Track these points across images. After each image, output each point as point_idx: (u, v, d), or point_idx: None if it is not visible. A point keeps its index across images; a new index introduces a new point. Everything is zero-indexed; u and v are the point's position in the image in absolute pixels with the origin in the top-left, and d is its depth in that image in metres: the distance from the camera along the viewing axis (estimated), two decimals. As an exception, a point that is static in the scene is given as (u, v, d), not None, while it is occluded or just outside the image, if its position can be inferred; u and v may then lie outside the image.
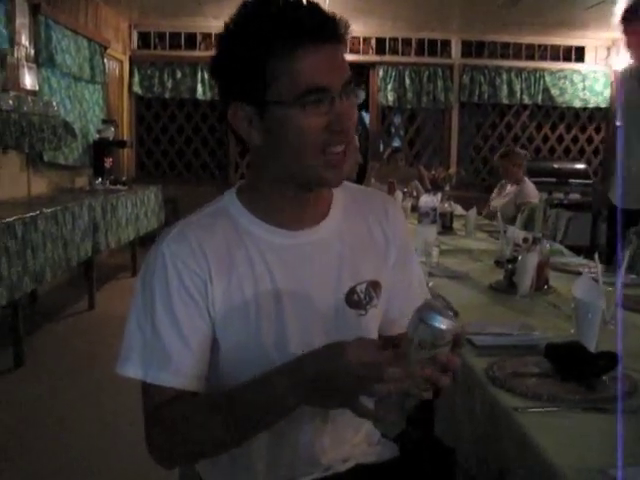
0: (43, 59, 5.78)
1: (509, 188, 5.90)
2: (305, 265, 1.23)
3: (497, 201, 5.91)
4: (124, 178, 7.33)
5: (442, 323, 0.97)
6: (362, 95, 1.21)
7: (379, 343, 1.04)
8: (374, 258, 1.32)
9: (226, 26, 1.16)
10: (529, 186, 5.80)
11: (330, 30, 1.13)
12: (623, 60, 8.34)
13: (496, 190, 6.15)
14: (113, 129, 7.11)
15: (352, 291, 1.25)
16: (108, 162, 6.82)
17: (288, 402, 1.06)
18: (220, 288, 1.18)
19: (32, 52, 5.63)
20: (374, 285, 1.28)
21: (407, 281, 1.34)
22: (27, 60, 5.53)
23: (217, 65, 1.18)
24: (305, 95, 1.10)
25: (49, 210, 4.49)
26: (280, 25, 1.10)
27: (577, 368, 1.50)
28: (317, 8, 1.13)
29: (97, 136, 6.95)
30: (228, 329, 1.19)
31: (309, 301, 1.23)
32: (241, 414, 1.09)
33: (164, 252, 1.17)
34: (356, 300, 1.26)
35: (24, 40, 5.48)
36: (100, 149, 6.82)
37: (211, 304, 1.18)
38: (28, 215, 4.14)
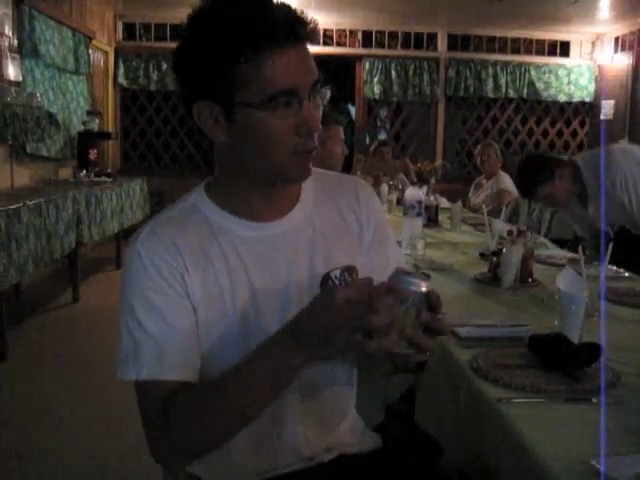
0: (27, 50, 5.73)
1: (485, 184, 5.94)
2: (278, 255, 1.24)
3: (475, 199, 5.94)
4: (109, 170, 7.29)
5: (414, 285, 1.02)
6: (328, 95, 1.21)
7: (369, 279, 1.05)
8: (348, 243, 1.32)
9: (192, 20, 1.14)
10: (504, 176, 5.87)
11: (299, 31, 1.11)
12: (607, 55, 8.41)
13: (472, 188, 6.18)
14: (98, 121, 7.07)
15: (327, 277, 1.25)
16: (93, 154, 6.78)
17: (295, 360, 1.07)
18: (197, 281, 1.18)
19: (15, 42, 5.58)
20: (349, 270, 1.28)
21: (384, 263, 1.32)
22: (10, 50, 5.48)
23: (181, 61, 1.17)
24: (274, 98, 1.10)
25: (32, 202, 4.46)
26: (249, 27, 1.08)
27: (560, 359, 1.51)
28: (286, 9, 1.12)
29: (82, 128, 6.91)
30: (205, 321, 1.19)
31: (284, 291, 1.23)
32: (249, 386, 1.10)
33: (139, 250, 1.18)
34: (331, 286, 1.26)
35: (7, 30, 5.43)
36: (85, 141, 6.79)
37: (191, 295, 1.18)
38: (11, 207, 4.11)
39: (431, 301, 1.04)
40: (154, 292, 1.16)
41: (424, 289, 1.03)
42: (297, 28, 1.11)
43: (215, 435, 1.15)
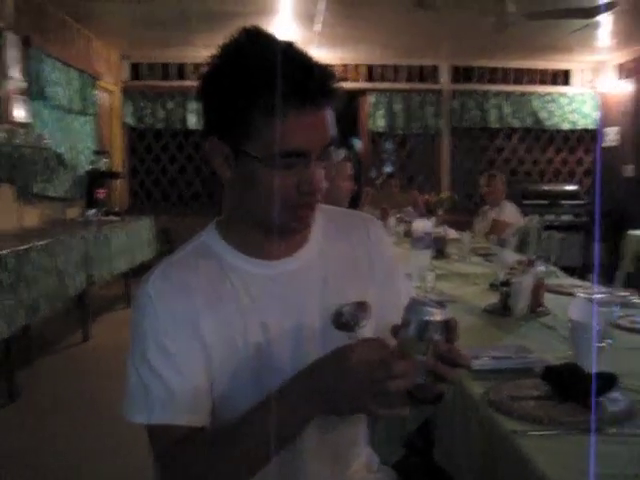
0: (34, 91, 5.80)
1: (490, 212, 5.95)
2: (289, 293, 1.23)
3: (480, 226, 5.95)
4: (117, 209, 7.32)
5: (430, 314, 1.02)
6: (341, 154, 1.22)
7: (383, 341, 1.05)
8: (359, 279, 1.31)
9: (222, 51, 1.13)
10: (508, 206, 5.87)
11: (320, 93, 1.10)
12: (609, 82, 8.46)
13: (479, 217, 6.19)
14: (105, 160, 7.12)
15: (339, 313, 1.25)
16: (101, 193, 6.81)
17: (302, 413, 1.07)
18: (209, 322, 1.18)
19: (24, 85, 5.65)
20: (361, 306, 1.27)
21: (395, 298, 1.32)
22: (19, 93, 5.55)
23: (202, 90, 1.16)
24: (281, 157, 1.09)
25: (41, 242, 4.47)
26: (270, 81, 1.05)
27: (575, 389, 1.49)
28: (313, 69, 1.10)
29: (89, 167, 6.96)
30: (218, 362, 1.18)
31: (297, 328, 1.22)
32: (257, 436, 1.08)
33: (150, 292, 1.17)
34: (344, 322, 1.25)
35: (16, 73, 5.50)
36: (92, 180, 6.82)
37: (203, 335, 1.17)
38: (20, 248, 4.12)
39: (449, 329, 1.04)
40: (165, 336, 1.15)
41: (440, 317, 1.02)
42: (320, 93, 1.10)
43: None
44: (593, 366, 1.62)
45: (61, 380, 4.56)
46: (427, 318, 1.02)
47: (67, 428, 3.68)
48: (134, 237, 6.67)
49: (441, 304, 1.06)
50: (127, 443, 3.06)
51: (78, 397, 4.18)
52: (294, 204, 1.14)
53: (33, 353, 5.04)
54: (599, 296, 2.06)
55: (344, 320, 1.26)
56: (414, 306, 1.04)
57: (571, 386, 1.51)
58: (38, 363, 4.91)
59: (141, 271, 6.14)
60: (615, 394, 1.49)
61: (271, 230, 1.21)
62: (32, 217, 5.93)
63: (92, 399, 4.07)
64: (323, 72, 1.11)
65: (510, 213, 5.80)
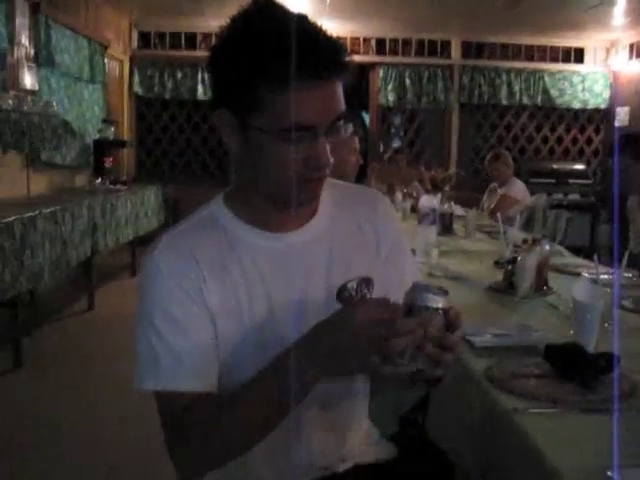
0: (43, 59, 5.79)
1: (499, 190, 5.90)
2: (295, 266, 1.24)
3: (488, 203, 5.92)
4: (124, 178, 7.33)
5: (433, 301, 1.02)
6: (350, 129, 1.20)
7: (387, 300, 1.05)
8: (365, 255, 1.31)
9: (232, 23, 1.12)
10: (517, 184, 5.82)
11: (330, 66, 1.08)
12: (622, 61, 8.37)
13: (487, 193, 6.15)
14: (113, 129, 7.11)
15: (343, 288, 1.25)
16: (108, 162, 6.81)
17: (310, 374, 1.07)
18: (215, 292, 1.18)
19: (32, 52, 5.63)
20: (366, 281, 1.28)
21: (400, 276, 1.32)
22: (27, 60, 5.53)
23: (212, 62, 1.15)
24: (288, 131, 1.08)
25: (48, 210, 4.49)
26: (282, 53, 1.04)
27: (576, 369, 1.50)
28: (326, 43, 1.09)
29: (97, 136, 6.95)
30: (223, 332, 1.19)
31: (302, 301, 1.23)
32: (265, 399, 1.09)
33: (157, 260, 1.18)
34: (347, 297, 1.26)
35: (24, 40, 5.48)
36: (100, 149, 6.82)
37: (209, 306, 1.18)
38: (27, 215, 4.14)
39: (449, 318, 1.03)
40: (172, 303, 1.16)
41: (442, 305, 1.02)
42: (330, 67, 1.08)
43: (231, 447, 1.15)
44: (594, 346, 1.63)
45: (66, 347, 4.60)
46: (427, 304, 1.01)
47: (72, 395, 3.72)
48: (141, 206, 6.68)
49: (444, 291, 1.05)
50: (132, 410, 3.09)
51: (82, 364, 4.21)
52: (302, 179, 1.14)
53: (38, 320, 5.07)
54: (604, 277, 2.05)
55: (347, 295, 1.26)
56: (416, 291, 1.03)
57: (572, 365, 1.51)
58: (43, 330, 4.95)
59: (147, 240, 6.14)
60: (615, 374, 1.50)
61: (279, 203, 1.21)
62: (40, 185, 5.94)
63: (96, 366, 4.11)
64: (334, 45, 1.10)
65: (518, 190, 5.76)
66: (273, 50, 1.05)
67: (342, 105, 1.13)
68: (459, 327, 1.05)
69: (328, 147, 1.13)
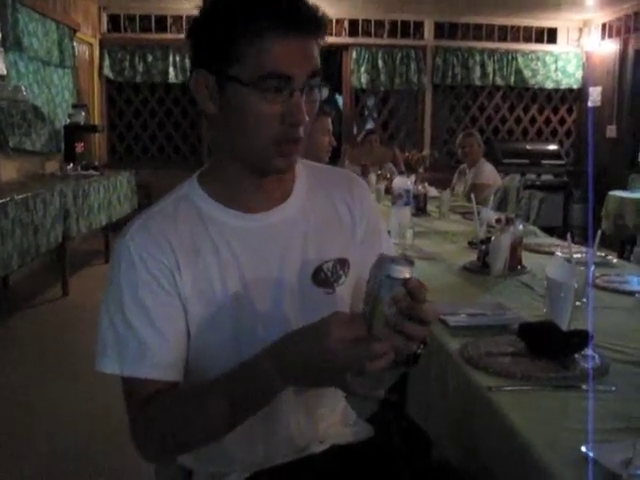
0: (10, 43, 5.67)
1: (468, 172, 5.90)
2: (270, 247, 1.23)
3: (458, 186, 5.93)
4: (96, 163, 7.24)
5: (397, 271, 0.99)
6: (326, 92, 1.20)
7: (360, 317, 1.02)
8: (341, 236, 1.31)
9: None
10: (485, 167, 5.82)
11: (307, 22, 1.11)
12: (594, 41, 8.42)
13: (456, 175, 6.15)
14: (84, 113, 7.01)
15: (319, 270, 1.25)
16: (79, 147, 6.73)
17: (275, 385, 1.06)
18: (188, 276, 1.17)
19: (-1, 36, 5.53)
20: (341, 263, 1.28)
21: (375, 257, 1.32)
22: (-6, 44, 5.43)
23: (191, 27, 1.17)
24: (266, 79, 1.09)
25: (19, 197, 4.42)
26: (258, 7, 1.08)
27: (550, 347, 1.51)
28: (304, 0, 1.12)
29: (67, 121, 6.86)
30: (196, 316, 1.18)
31: (276, 283, 1.22)
32: (228, 400, 1.08)
33: (129, 245, 1.17)
34: (323, 278, 1.25)
35: (-10, 23, 5.38)
36: (71, 134, 6.73)
37: (181, 291, 1.17)
38: (-2, 202, 4.08)
39: (411, 288, 1.00)
40: (143, 291, 1.15)
41: (402, 275, 1.00)
42: (304, 18, 1.10)
43: (191, 441, 1.16)
44: (567, 324, 1.64)
45: (40, 334, 4.56)
46: (388, 274, 1.00)
47: (45, 381, 3.69)
48: (113, 192, 6.61)
49: (410, 262, 1.04)
50: (107, 396, 3.07)
51: (56, 351, 4.18)
52: (278, 138, 1.14)
53: (12, 307, 5.03)
54: (577, 255, 2.07)
55: (323, 276, 1.26)
56: (380, 262, 1.02)
57: (546, 343, 1.52)
58: (17, 318, 4.90)
59: (120, 226, 6.07)
60: (589, 351, 1.51)
61: (255, 171, 1.20)
62: (10, 171, 5.86)
63: (70, 353, 4.08)
64: (311, 4, 1.13)
65: (488, 174, 5.76)
66: (254, 2, 1.09)
67: (318, 63, 1.14)
68: (422, 298, 1.01)
69: (304, 105, 1.13)
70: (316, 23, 1.13)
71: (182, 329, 1.18)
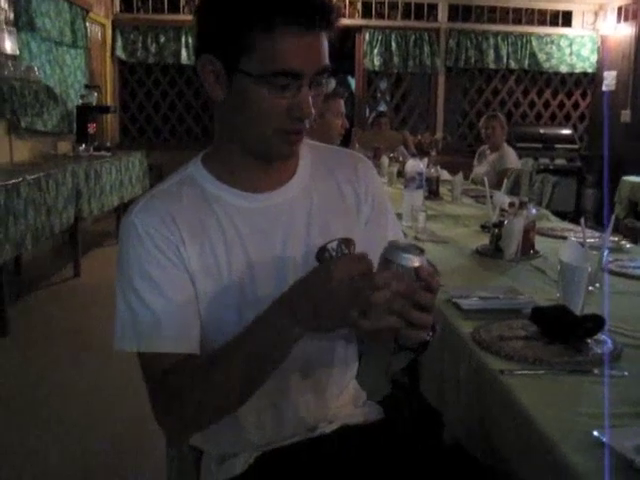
0: (23, 23, 5.66)
1: (489, 155, 5.86)
2: (274, 227, 1.24)
3: (479, 169, 5.88)
4: (108, 144, 7.25)
5: (407, 259, 1.00)
6: (332, 84, 1.21)
7: (364, 255, 1.04)
8: (345, 216, 1.31)
9: None
10: (509, 152, 5.77)
11: (319, 18, 1.10)
12: (610, 25, 8.33)
13: (477, 158, 6.11)
14: (96, 94, 7.01)
15: (323, 249, 1.25)
16: (91, 128, 6.73)
17: (290, 332, 1.06)
18: (193, 251, 1.18)
19: (11, 16, 5.51)
20: (346, 242, 1.28)
21: (382, 237, 1.30)
22: (6, 24, 5.41)
23: (201, 10, 1.17)
24: (275, 76, 1.10)
25: (32, 177, 4.43)
26: (274, 1, 1.08)
27: (563, 331, 1.51)
28: None
29: (80, 102, 6.86)
30: (202, 292, 1.19)
31: (281, 262, 1.23)
32: (248, 358, 1.08)
33: (135, 222, 1.18)
34: (327, 258, 1.25)
35: (3, 3, 5.36)
36: (83, 115, 6.73)
37: (187, 266, 1.18)
38: (11, 182, 4.09)
39: (422, 277, 1.02)
40: (150, 264, 1.16)
41: (416, 264, 1.01)
42: (317, 14, 1.10)
43: (216, 408, 1.15)
44: (580, 308, 1.63)
45: (52, 315, 4.58)
46: (399, 262, 1.00)
47: (58, 362, 3.71)
48: (125, 172, 6.63)
49: (420, 250, 1.04)
50: (118, 376, 3.10)
51: (69, 332, 4.20)
52: (284, 129, 1.15)
53: (24, 288, 5.05)
54: (590, 240, 2.05)
55: (328, 256, 1.26)
56: (390, 250, 1.02)
57: (559, 327, 1.52)
58: (29, 298, 4.93)
59: (132, 207, 6.10)
60: (602, 336, 1.51)
61: (259, 156, 1.21)
62: (23, 151, 5.87)
63: (83, 333, 4.10)
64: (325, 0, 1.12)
65: (514, 159, 5.72)
66: None
67: (327, 59, 1.15)
68: (434, 286, 1.03)
69: (311, 99, 1.14)
70: (329, 18, 1.12)
71: (192, 299, 1.18)
